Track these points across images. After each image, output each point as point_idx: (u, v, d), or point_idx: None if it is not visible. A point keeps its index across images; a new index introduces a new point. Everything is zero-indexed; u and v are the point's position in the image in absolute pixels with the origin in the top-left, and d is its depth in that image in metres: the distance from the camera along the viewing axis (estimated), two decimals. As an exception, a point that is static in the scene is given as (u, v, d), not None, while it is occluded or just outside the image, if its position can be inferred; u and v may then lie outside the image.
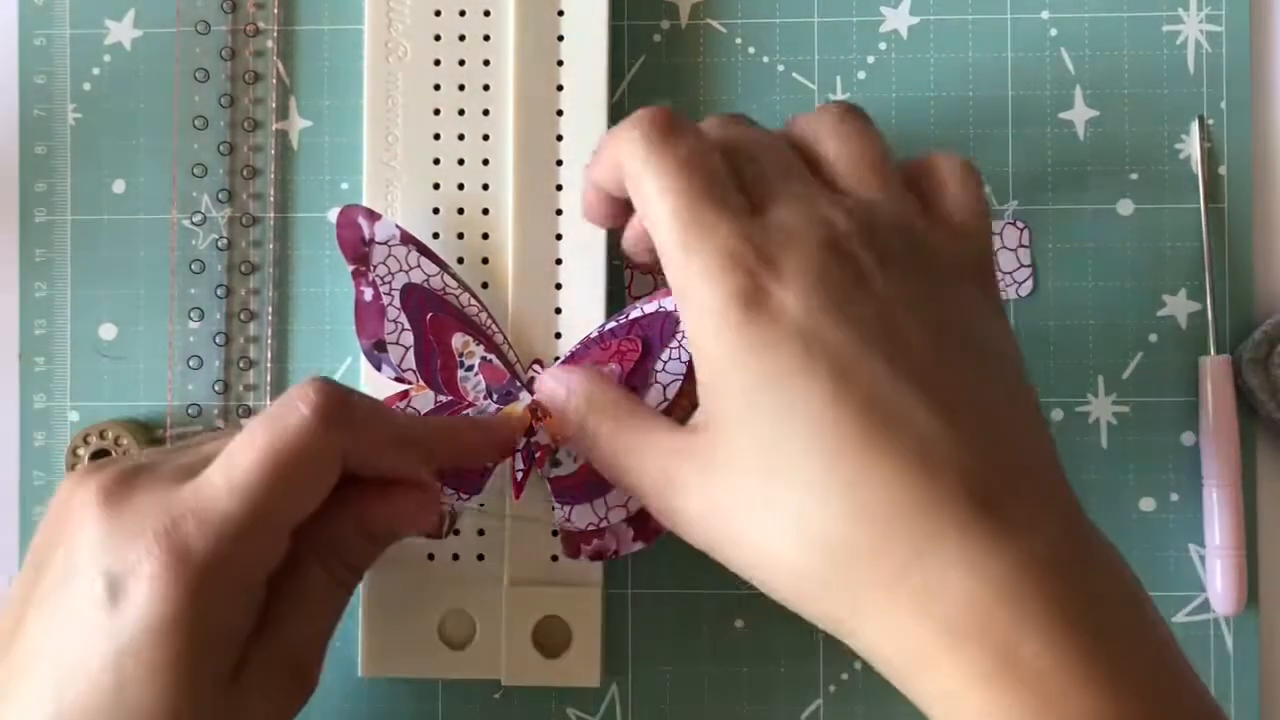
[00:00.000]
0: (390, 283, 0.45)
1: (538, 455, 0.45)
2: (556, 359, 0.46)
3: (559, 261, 0.47)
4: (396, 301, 0.45)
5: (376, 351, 0.45)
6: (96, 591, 0.36)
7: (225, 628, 0.37)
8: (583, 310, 0.47)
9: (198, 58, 0.50)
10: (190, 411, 0.50)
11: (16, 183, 0.50)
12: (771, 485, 0.35)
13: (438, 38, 0.48)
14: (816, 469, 0.34)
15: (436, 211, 0.48)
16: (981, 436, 0.35)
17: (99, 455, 0.48)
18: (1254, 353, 0.47)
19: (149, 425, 0.50)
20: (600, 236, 0.47)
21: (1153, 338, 0.49)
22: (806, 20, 0.50)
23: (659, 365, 0.44)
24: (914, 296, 0.37)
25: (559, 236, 0.47)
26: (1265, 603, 0.48)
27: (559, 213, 0.47)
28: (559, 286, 0.47)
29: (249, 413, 0.49)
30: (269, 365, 0.50)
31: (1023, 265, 0.49)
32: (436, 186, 0.48)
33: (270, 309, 0.50)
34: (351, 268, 0.45)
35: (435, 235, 0.47)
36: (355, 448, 0.39)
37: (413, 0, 0.48)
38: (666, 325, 0.44)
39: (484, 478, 0.45)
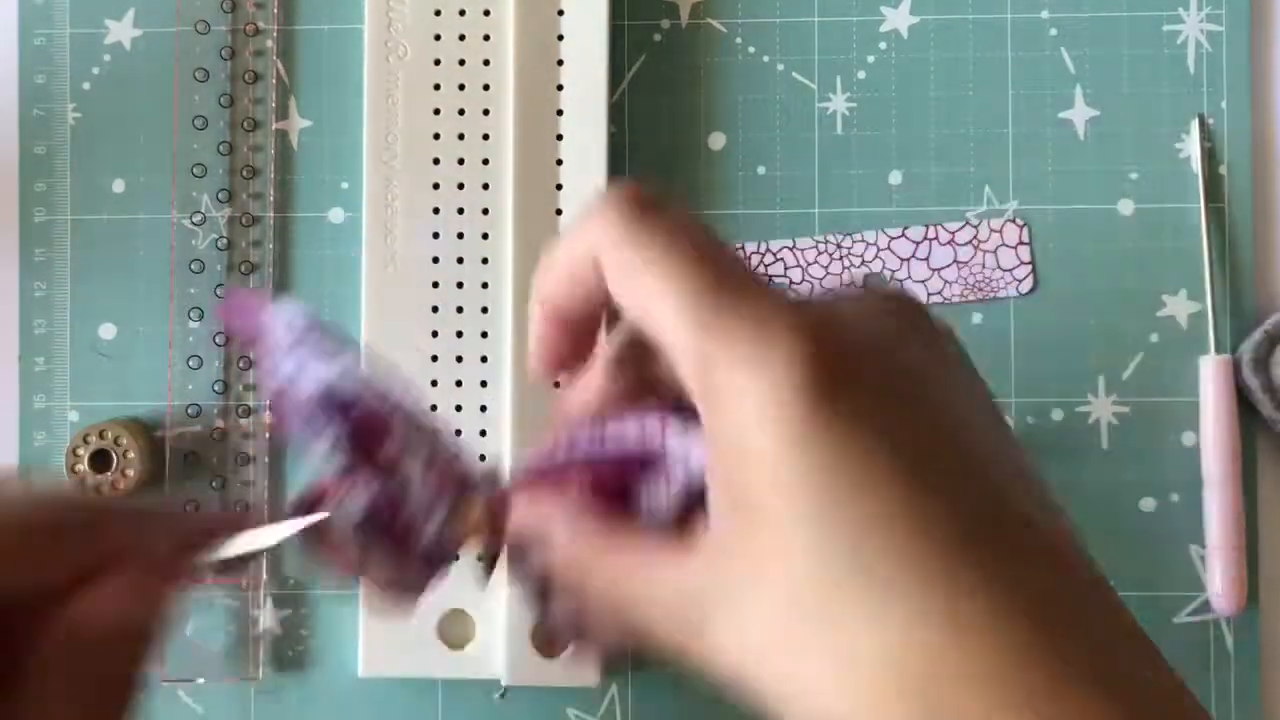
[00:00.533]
0: (299, 377, 0.35)
1: (501, 556, 0.36)
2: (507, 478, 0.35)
3: (559, 261, 0.47)
4: (311, 396, 0.35)
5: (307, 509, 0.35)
6: None
7: None
8: (583, 310, 0.47)
9: (197, 57, 0.50)
10: (190, 411, 0.50)
11: (16, 182, 0.50)
12: (834, 604, 0.27)
13: (438, 38, 0.48)
14: (905, 580, 0.27)
15: (437, 211, 0.48)
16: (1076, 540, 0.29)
17: (99, 455, 0.48)
18: (1254, 353, 0.47)
19: (149, 425, 0.50)
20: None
21: (1153, 338, 0.49)
22: (806, 20, 0.50)
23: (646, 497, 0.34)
24: (967, 390, 0.31)
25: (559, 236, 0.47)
26: (1265, 603, 0.48)
27: (559, 212, 0.47)
28: (559, 286, 0.47)
29: (249, 412, 0.49)
30: (269, 365, 0.49)
31: (1022, 263, 0.49)
32: (436, 186, 0.48)
33: (270, 309, 0.50)
34: (252, 353, 0.38)
35: (435, 235, 0.47)
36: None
37: (413, 0, 0.48)
38: (646, 464, 0.33)
39: (427, 577, 0.36)
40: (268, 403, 0.39)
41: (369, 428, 0.35)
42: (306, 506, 0.35)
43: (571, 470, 0.33)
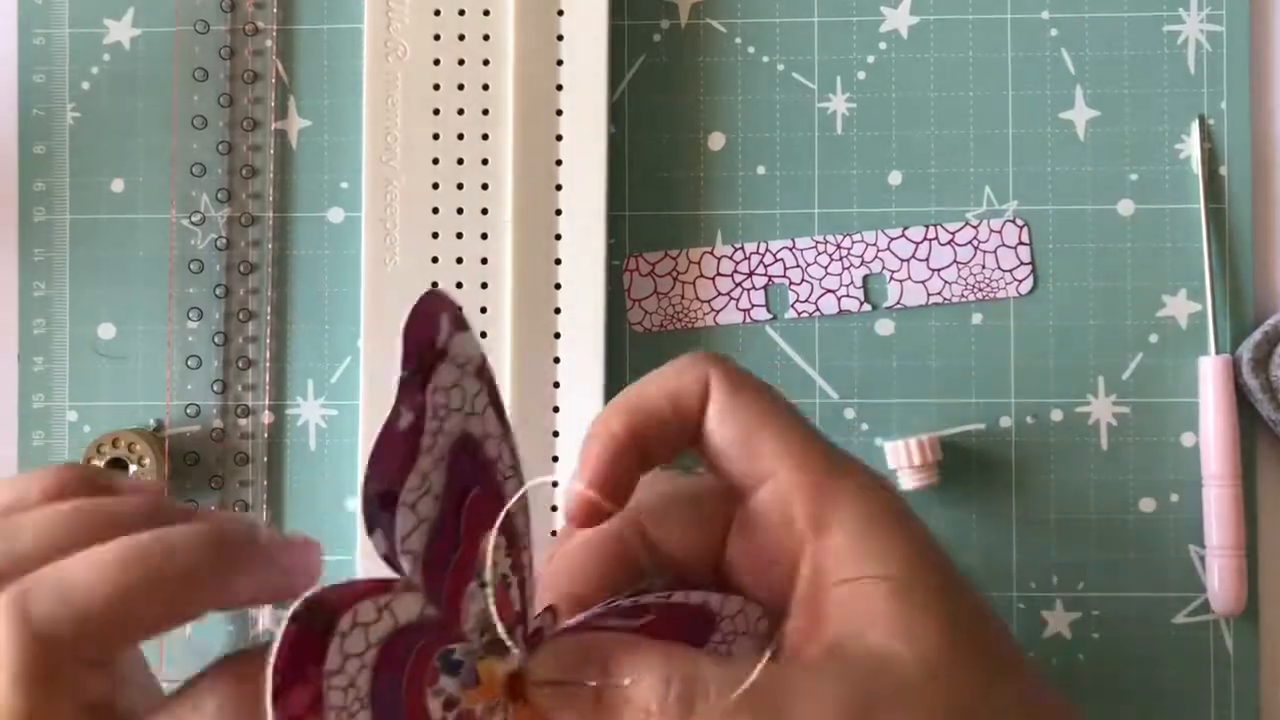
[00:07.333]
0: (442, 422, 0.28)
1: None
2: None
3: (559, 261, 0.47)
4: (442, 452, 0.28)
5: (380, 508, 0.27)
6: None
7: None
8: (582, 311, 0.47)
9: (197, 57, 0.50)
10: (189, 411, 0.49)
11: (15, 182, 0.50)
12: None
13: (437, 37, 0.48)
14: None
15: (436, 211, 0.48)
16: None
17: (115, 464, 0.48)
18: (1254, 353, 0.47)
19: (155, 431, 0.50)
20: (600, 235, 0.47)
21: (1153, 338, 0.49)
22: (806, 20, 0.50)
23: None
24: None
25: (559, 236, 0.47)
26: (1265, 603, 0.48)
27: (559, 213, 0.47)
28: (558, 287, 0.47)
29: (248, 413, 0.49)
30: (268, 365, 0.49)
31: (1022, 263, 0.49)
32: (436, 186, 0.48)
33: (269, 309, 0.50)
34: (402, 374, 0.27)
35: (435, 235, 0.47)
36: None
37: (413, 0, 0.48)
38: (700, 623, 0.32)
39: None
40: (405, 421, 0.28)
41: (480, 513, 0.29)
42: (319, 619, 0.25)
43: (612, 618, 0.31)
